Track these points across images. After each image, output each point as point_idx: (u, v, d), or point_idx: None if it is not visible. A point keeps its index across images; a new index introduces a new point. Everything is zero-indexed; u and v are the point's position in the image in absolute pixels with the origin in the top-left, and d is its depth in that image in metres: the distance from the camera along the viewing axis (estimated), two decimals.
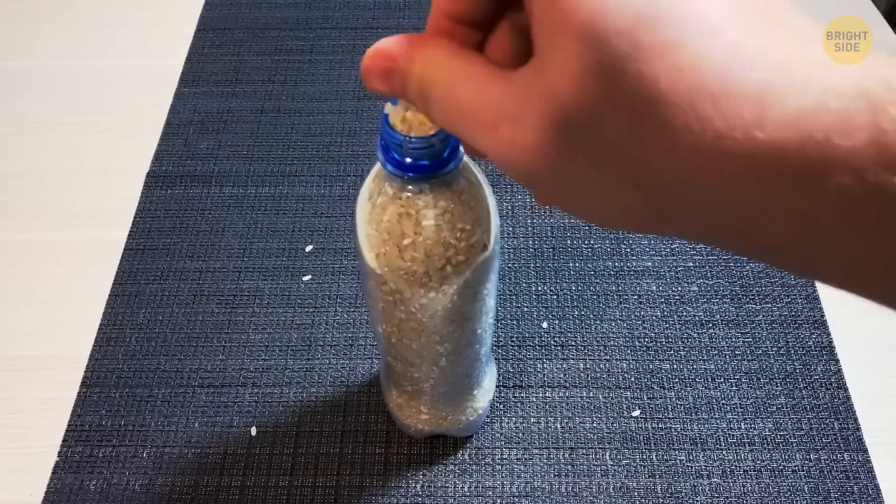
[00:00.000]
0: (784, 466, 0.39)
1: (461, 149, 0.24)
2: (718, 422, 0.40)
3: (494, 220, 0.27)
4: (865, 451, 0.39)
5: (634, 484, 0.38)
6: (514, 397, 0.41)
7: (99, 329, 0.44)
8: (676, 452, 0.39)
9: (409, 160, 0.24)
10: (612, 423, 0.40)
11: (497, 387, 0.42)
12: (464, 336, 0.30)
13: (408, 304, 0.28)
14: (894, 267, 0.14)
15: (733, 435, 0.40)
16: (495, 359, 0.43)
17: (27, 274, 0.47)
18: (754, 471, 0.39)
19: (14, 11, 0.63)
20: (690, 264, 0.47)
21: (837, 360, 0.42)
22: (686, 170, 0.14)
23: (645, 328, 0.44)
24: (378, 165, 0.26)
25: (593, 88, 0.14)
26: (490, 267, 0.28)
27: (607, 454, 0.39)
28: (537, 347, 0.43)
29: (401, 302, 0.28)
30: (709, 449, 0.40)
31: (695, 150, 0.14)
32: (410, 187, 0.25)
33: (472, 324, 0.30)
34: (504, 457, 0.39)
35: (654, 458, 0.39)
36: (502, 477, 0.39)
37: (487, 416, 0.41)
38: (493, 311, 0.32)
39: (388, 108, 0.24)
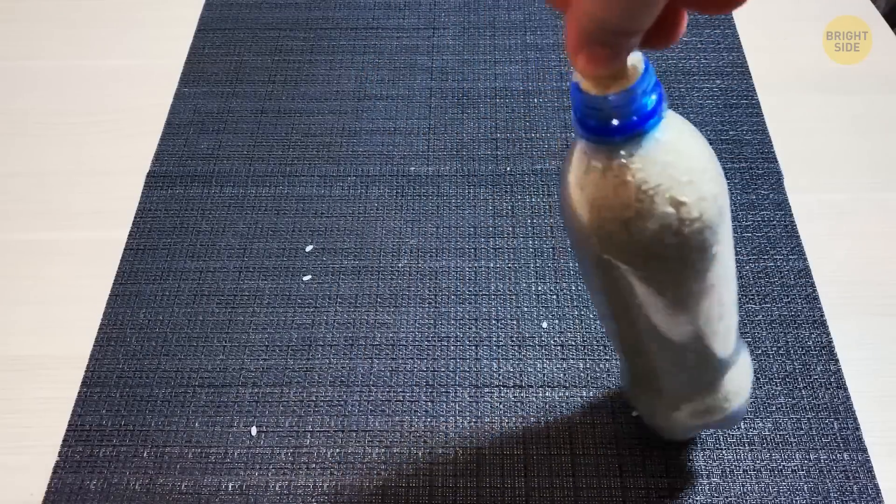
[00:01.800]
0: (783, 466, 0.39)
1: (664, 97, 0.23)
2: None
3: (717, 166, 0.25)
4: (865, 451, 0.39)
5: (634, 484, 0.38)
6: (514, 397, 0.41)
7: (99, 329, 0.44)
8: (676, 452, 0.39)
9: (614, 122, 0.22)
10: (612, 423, 0.40)
11: (497, 386, 0.42)
12: (711, 306, 0.27)
13: (642, 286, 0.25)
14: None
15: (733, 435, 0.40)
16: (496, 359, 0.43)
17: (27, 274, 0.47)
18: (754, 470, 0.39)
19: (15, 11, 0.63)
20: None
21: (837, 360, 0.42)
22: None
23: None
24: (576, 147, 0.24)
25: None
26: (726, 216, 0.25)
27: (607, 454, 0.39)
28: (537, 347, 0.43)
29: (639, 283, 0.25)
30: (708, 449, 0.40)
31: None
32: (622, 152, 0.22)
33: (719, 290, 0.27)
34: (504, 456, 0.39)
35: (654, 458, 0.39)
36: (502, 477, 0.39)
37: (487, 416, 0.41)
38: (734, 276, 0.28)
39: (576, 75, 0.22)
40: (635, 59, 0.21)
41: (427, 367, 0.43)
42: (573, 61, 0.21)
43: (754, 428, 0.40)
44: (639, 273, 0.25)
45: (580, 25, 0.20)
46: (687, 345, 0.29)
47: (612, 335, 0.30)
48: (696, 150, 0.24)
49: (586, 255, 0.25)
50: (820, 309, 0.44)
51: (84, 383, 0.42)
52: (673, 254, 0.24)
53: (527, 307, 0.45)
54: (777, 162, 0.51)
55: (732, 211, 0.49)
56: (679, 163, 0.23)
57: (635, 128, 0.22)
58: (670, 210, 0.23)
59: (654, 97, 0.22)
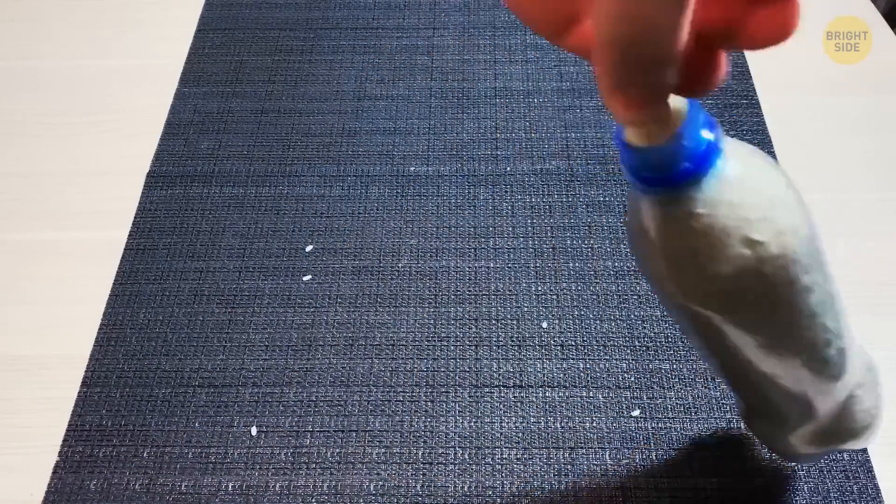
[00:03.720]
0: (784, 466, 0.39)
1: (719, 132, 0.21)
2: (718, 422, 0.40)
3: (794, 194, 0.22)
4: (865, 451, 0.39)
5: (634, 484, 0.38)
6: (514, 397, 0.41)
7: (99, 329, 0.44)
8: (676, 452, 0.39)
9: (666, 171, 0.20)
10: (612, 423, 0.40)
11: (497, 387, 0.42)
12: (816, 335, 0.25)
13: (735, 330, 0.23)
14: None
15: (733, 434, 0.40)
16: (496, 359, 0.43)
17: (27, 274, 0.47)
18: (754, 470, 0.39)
19: (14, 11, 0.63)
20: None
21: None
22: None
23: (645, 328, 0.44)
24: (635, 197, 0.22)
25: None
26: (815, 243, 0.23)
27: (607, 454, 0.39)
28: (537, 347, 0.43)
29: (730, 328, 0.23)
30: (709, 449, 0.40)
31: None
32: (682, 199, 0.21)
33: (821, 317, 0.25)
34: (504, 457, 0.40)
35: (654, 458, 0.39)
36: (502, 477, 0.39)
37: (487, 416, 0.41)
38: (839, 296, 0.26)
39: (626, 131, 0.20)
40: (678, 101, 0.20)
41: (427, 367, 0.43)
42: (610, 107, 0.19)
43: None
44: (728, 318, 0.23)
45: (607, 66, 0.18)
46: (797, 376, 0.26)
47: (715, 371, 0.28)
48: (767, 182, 0.22)
49: (671, 304, 0.24)
50: None
51: (84, 383, 0.42)
52: (758, 295, 0.22)
53: (527, 307, 0.45)
54: (777, 162, 0.51)
55: None
56: (748, 199, 0.21)
57: (690, 174, 0.20)
58: (746, 251, 0.21)
59: (706, 135, 0.20)
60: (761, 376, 0.26)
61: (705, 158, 0.20)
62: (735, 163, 0.21)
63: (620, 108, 0.19)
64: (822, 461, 0.39)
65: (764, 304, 0.23)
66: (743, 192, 0.21)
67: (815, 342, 0.25)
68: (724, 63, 0.19)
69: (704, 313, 0.23)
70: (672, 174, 0.20)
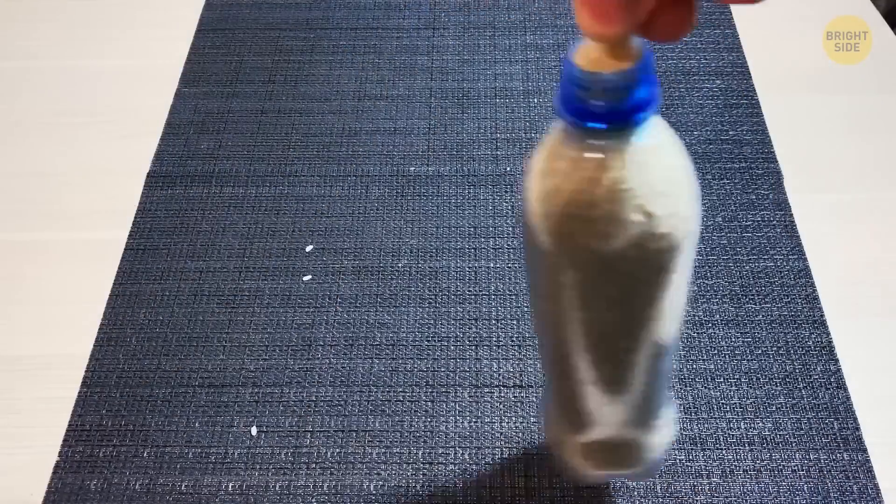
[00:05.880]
0: (783, 466, 0.39)
1: (658, 96, 0.20)
2: (718, 421, 0.40)
3: (695, 188, 0.22)
4: (865, 451, 0.39)
5: (634, 484, 0.38)
6: (514, 397, 0.42)
7: (99, 329, 0.44)
8: (676, 452, 0.39)
9: (602, 105, 0.19)
10: None
11: (497, 387, 0.42)
12: (648, 336, 0.25)
13: (589, 295, 0.23)
14: None
15: (733, 435, 0.40)
16: (496, 359, 0.43)
17: (27, 274, 0.47)
18: (754, 470, 0.39)
19: (14, 11, 0.63)
20: None
21: (837, 360, 0.42)
22: None
23: None
24: (552, 134, 0.22)
25: None
26: (691, 244, 0.23)
27: None
28: (537, 347, 0.43)
29: (586, 291, 0.23)
30: (708, 449, 0.40)
31: None
32: (602, 143, 0.20)
33: (659, 323, 0.24)
34: (504, 457, 0.40)
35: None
36: (502, 477, 0.39)
37: (488, 416, 0.41)
38: (680, 316, 0.25)
39: (573, 50, 0.20)
40: (637, 44, 0.19)
41: (427, 367, 0.43)
42: (579, 16, 0.18)
43: (754, 428, 0.40)
44: (589, 280, 0.23)
45: None
46: (614, 373, 0.26)
47: (543, 346, 0.27)
48: (679, 164, 0.22)
49: (536, 252, 0.23)
50: (820, 309, 0.44)
51: (84, 383, 0.42)
52: (629, 267, 0.22)
53: (527, 307, 0.45)
54: (777, 162, 0.51)
55: (732, 211, 0.49)
56: (659, 171, 0.21)
57: (624, 117, 0.19)
58: (640, 219, 0.20)
59: (650, 89, 0.19)
60: (591, 360, 0.26)
61: (647, 105, 0.19)
62: (659, 133, 0.20)
63: (589, 16, 0.18)
64: (822, 461, 0.39)
65: (629, 279, 0.22)
66: (658, 161, 0.21)
67: (645, 344, 0.25)
68: (695, 13, 0.19)
69: (571, 270, 0.22)
70: (613, 107, 0.19)
